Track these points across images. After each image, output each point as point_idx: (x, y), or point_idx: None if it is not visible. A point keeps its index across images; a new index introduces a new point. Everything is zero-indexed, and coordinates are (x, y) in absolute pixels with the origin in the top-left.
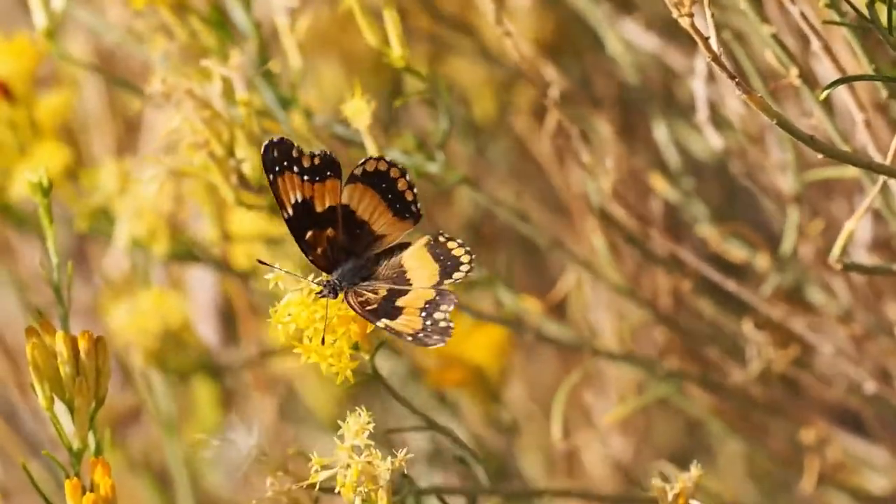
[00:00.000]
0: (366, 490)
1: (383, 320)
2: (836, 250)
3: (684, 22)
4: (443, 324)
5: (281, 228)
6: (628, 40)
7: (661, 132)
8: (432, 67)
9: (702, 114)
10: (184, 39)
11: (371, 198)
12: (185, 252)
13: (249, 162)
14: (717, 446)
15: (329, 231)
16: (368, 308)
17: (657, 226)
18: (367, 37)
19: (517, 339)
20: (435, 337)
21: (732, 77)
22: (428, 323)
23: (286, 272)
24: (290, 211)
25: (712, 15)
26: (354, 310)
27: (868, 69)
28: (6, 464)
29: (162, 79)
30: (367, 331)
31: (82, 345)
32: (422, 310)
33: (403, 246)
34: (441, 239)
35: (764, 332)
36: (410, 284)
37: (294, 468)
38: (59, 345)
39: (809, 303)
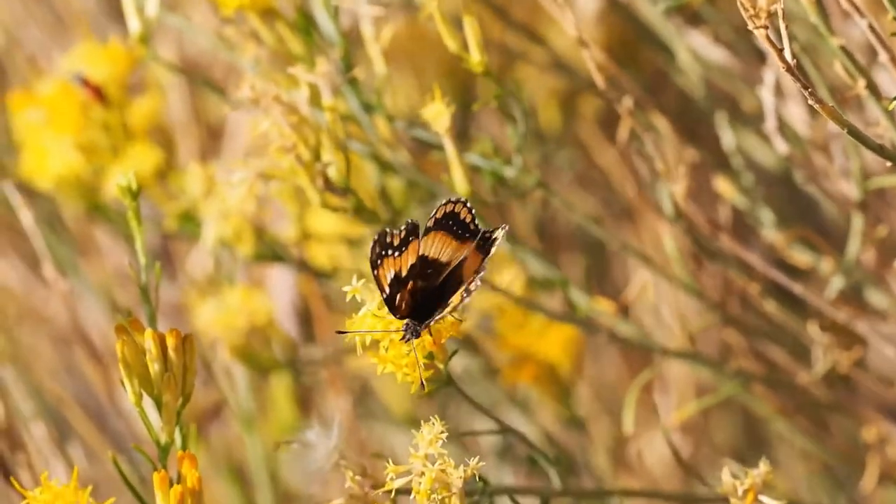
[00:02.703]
0: (440, 496)
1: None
2: None
3: (759, 34)
4: (472, 287)
5: (360, 229)
6: (696, 51)
7: (728, 139)
8: (503, 75)
9: (770, 122)
10: (272, 45)
11: (441, 238)
12: (268, 252)
13: (335, 165)
14: (776, 443)
15: (410, 284)
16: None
17: (725, 230)
18: (447, 43)
19: (587, 339)
20: (465, 300)
21: (806, 87)
22: (464, 296)
23: (363, 285)
24: (388, 290)
25: (786, 27)
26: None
27: None
28: (91, 459)
29: (251, 84)
30: (441, 341)
31: (170, 342)
32: (464, 291)
33: (462, 262)
34: (486, 236)
35: (828, 333)
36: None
37: (372, 471)
38: (148, 342)
39: (872, 306)
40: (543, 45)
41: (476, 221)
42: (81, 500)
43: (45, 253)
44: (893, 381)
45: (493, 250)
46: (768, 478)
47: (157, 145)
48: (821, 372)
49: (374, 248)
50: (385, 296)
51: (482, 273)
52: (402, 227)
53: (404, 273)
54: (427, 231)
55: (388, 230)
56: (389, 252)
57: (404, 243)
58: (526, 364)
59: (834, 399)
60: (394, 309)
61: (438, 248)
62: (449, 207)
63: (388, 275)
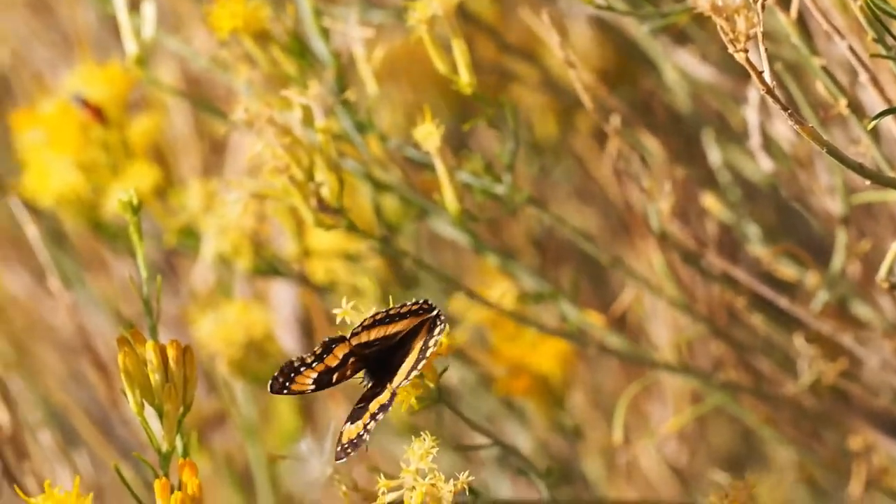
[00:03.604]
0: None
1: (345, 425)
2: (883, 271)
3: (739, 57)
4: (366, 436)
5: (358, 244)
6: (683, 70)
7: (714, 156)
8: (498, 94)
9: (755, 140)
10: (266, 68)
11: (380, 327)
12: (268, 267)
13: (328, 185)
14: (770, 451)
15: (350, 361)
16: (354, 408)
17: (712, 245)
18: (437, 65)
19: (580, 350)
20: (348, 452)
21: (785, 109)
22: (360, 434)
23: (352, 307)
24: (313, 386)
25: (766, 50)
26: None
27: None
28: (97, 466)
29: (245, 107)
30: (431, 360)
31: (171, 353)
32: (373, 414)
33: (420, 326)
34: (438, 322)
35: (814, 345)
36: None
37: (365, 484)
38: (150, 353)
39: (857, 318)
40: (537, 66)
41: (428, 301)
42: None
43: (50, 266)
44: (879, 390)
45: (412, 371)
46: (753, 490)
47: (156, 162)
48: (806, 383)
49: (274, 384)
50: (311, 390)
51: (388, 407)
52: (319, 346)
53: (335, 364)
54: (354, 335)
55: (292, 361)
56: (303, 369)
57: (327, 350)
58: (520, 376)
59: (821, 409)
60: (329, 385)
61: (381, 331)
62: (380, 316)
63: (307, 381)
